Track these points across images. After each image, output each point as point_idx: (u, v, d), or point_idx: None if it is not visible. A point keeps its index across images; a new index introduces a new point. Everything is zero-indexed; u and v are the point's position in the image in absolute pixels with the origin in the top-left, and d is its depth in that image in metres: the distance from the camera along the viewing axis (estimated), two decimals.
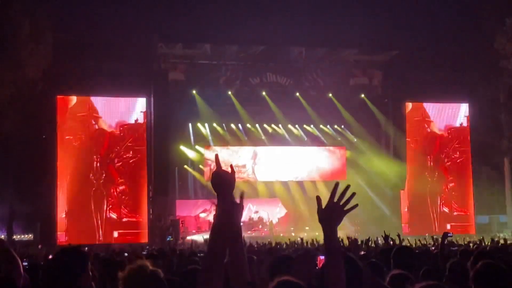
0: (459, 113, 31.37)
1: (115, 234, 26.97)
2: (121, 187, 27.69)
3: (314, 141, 31.95)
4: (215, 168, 3.03)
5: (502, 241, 16.01)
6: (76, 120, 27.36)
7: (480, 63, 28.42)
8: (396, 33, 27.52)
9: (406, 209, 30.09)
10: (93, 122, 27.57)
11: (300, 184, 31.99)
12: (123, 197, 27.64)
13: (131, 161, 27.84)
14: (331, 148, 32.15)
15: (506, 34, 28.86)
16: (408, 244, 13.96)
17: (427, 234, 23.13)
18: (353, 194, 2.97)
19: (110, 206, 27.42)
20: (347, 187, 3.02)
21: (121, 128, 27.85)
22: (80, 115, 27.43)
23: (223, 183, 2.96)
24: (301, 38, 28.51)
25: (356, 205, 2.99)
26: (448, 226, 28.45)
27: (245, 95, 30.27)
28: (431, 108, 31.13)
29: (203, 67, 29.86)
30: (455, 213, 30.47)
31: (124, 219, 27.47)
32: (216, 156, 3.15)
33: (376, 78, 31.62)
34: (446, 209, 30.47)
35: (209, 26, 27.10)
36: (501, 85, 29.58)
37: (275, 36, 27.93)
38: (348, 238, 12.49)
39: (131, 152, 27.88)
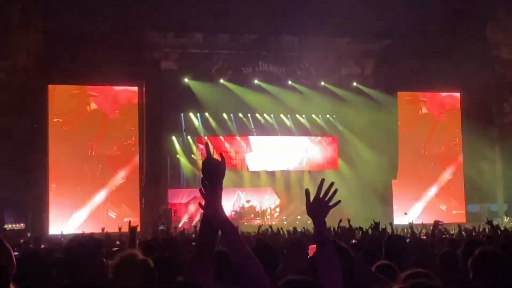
0: (450, 102, 31.54)
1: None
2: (121, 182, 27.43)
3: (306, 131, 31.89)
4: (206, 156, 3.06)
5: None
6: (67, 99, 27.03)
7: (472, 52, 28.43)
8: (388, 22, 27.49)
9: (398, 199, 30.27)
10: (87, 102, 27.20)
11: (292, 174, 31.98)
12: (124, 192, 27.33)
13: (133, 148, 27.66)
14: (323, 138, 32.12)
15: (497, 23, 28.91)
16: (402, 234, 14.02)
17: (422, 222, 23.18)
18: (336, 190, 3.17)
19: (109, 203, 27.11)
20: (331, 184, 3.21)
21: (120, 110, 27.60)
22: (73, 92, 27.16)
23: (213, 171, 3.00)
24: (294, 26, 28.44)
25: (339, 201, 3.16)
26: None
27: (238, 84, 30.22)
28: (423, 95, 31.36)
29: (195, 56, 29.78)
30: (453, 212, 30.53)
31: (125, 219, 26.66)
32: (206, 144, 3.26)
33: (368, 67, 31.64)
34: (443, 207, 30.51)
35: (201, 14, 27.00)
36: (492, 74, 29.64)
37: (268, 24, 27.88)
38: (339, 227, 12.47)
39: (133, 139, 27.70)
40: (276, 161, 31.38)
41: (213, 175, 3.00)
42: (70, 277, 4.07)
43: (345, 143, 31.57)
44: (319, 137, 32.02)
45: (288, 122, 31.62)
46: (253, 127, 31.22)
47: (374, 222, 10.81)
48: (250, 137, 31.23)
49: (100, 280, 3.74)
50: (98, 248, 4.12)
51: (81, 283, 3.83)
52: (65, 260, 4.21)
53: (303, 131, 31.83)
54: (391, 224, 12.64)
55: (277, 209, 31.55)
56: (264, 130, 31.34)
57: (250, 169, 31.35)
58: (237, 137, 31.14)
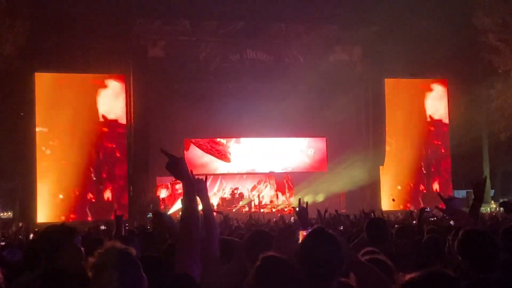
0: (437, 89, 31.68)
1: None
2: (108, 169, 27.42)
3: (294, 130, 31.17)
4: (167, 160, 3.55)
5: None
6: (53, 87, 27.02)
7: (459, 38, 28.48)
8: (376, 8, 27.47)
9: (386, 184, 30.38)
10: (74, 90, 27.07)
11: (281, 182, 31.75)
12: (112, 180, 27.41)
13: (121, 136, 27.71)
14: (311, 139, 31.80)
15: (484, 9, 28.96)
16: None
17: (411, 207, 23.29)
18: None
19: (97, 190, 27.05)
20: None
21: (107, 98, 27.58)
22: (60, 80, 27.14)
23: (178, 169, 3.55)
24: (281, 13, 28.38)
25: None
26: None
27: (225, 72, 30.08)
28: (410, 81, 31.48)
29: (182, 44, 29.64)
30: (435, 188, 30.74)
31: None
32: (161, 149, 3.65)
33: (356, 54, 31.59)
34: (430, 193, 30.64)
35: (188, 1, 26.88)
36: (479, 60, 29.74)
37: (255, 12, 27.79)
38: (325, 214, 12.54)
39: (120, 126, 27.71)
40: (263, 163, 31.07)
41: (180, 173, 3.55)
42: (44, 263, 4.13)
43: (333, 137, 31.00)
44: (308, 138, 31.71)
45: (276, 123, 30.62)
46: (243, 126, 30.44)
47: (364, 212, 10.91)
48: (239, 138, 30.95)
49: (73, 266, 3.78)
50: (62, 235, 4.20)
51: (54, 269, 3.87)
52: (37, 247, 4.28)
53: (291, 130, 31.11)
54: (380, 210, 12.75)
55: (265, 197, 31.58)
56: (252, 129, 30.52)
57: (238, 170, 31.15)
58: (225, 139, 30.89)
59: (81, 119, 27.11)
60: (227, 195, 31.06)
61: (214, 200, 30.35)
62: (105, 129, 27.57)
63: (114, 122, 27.70)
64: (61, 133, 26.85)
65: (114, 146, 27.63)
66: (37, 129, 26.49)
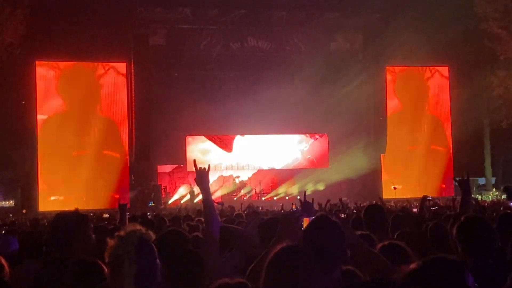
0: (439, 76, 31.59)
1: None
2: (110, 157, 27.52)
3: (296, 124, 30.94)
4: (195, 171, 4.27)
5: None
6: (54, 75, 27.13)
7: (460, 26, 28.38)
8: None
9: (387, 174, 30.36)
10: (75, 78, 27.17)
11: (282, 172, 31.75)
12: (113, 168, 27.52)
13: (122, 124, 27.75)
14: (313, 135, 31.70)
15: None
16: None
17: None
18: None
19: (98, 179, 27.11)
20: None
21: (109, 86, 27.68)
22: (60, 68, 27.22)
23: (202, 181, 4.25)
24: (282, 1, 28.28)
25: None
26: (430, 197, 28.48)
27: (226, 60, 30.00)
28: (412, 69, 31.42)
29: (183, 32, 29.56)
30: (442, 185, 30.76)
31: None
32: (194, 161, 4.46)
33: (357, 42, 31.51)
34: (432, 181, 30.65)
35: None
36: (481, 47, 29.65)
37: None
38: (327, 204, 12.52)
39: (122, 114, 27.80)
40: (264, 159, 31.01)
41: (202, 181, 4.24)
42: (56, 251, 4.13)
43: (334, 127, 30.63)
44: (309, 135, 31.57)
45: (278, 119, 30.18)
46: (245, 123, 29.92)
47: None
48: (239, 136, 30.87)
49: (85, 253, 3.78)
50: (83, 223, 4.22)
51: (67, 256, 3.87)
52: (51, 235, 4.26)
53: (293, 126, 30.88)
54: (380, 198, 12.74)
55: (268, 186, 31.58)
56: (253, 126, 29.84)
57: (238, 167, 31.14)
58: (227, 136, 30.82)
59: (83, 106, 27.17)
60: (228, 183, 31.05)
61: (215, 188, 30.32)
62: (106, 115, 27.59)
63: (116, 109, 27.76)
64: (61, 122, 26.91)
65: (115, 133, 27.66)
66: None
